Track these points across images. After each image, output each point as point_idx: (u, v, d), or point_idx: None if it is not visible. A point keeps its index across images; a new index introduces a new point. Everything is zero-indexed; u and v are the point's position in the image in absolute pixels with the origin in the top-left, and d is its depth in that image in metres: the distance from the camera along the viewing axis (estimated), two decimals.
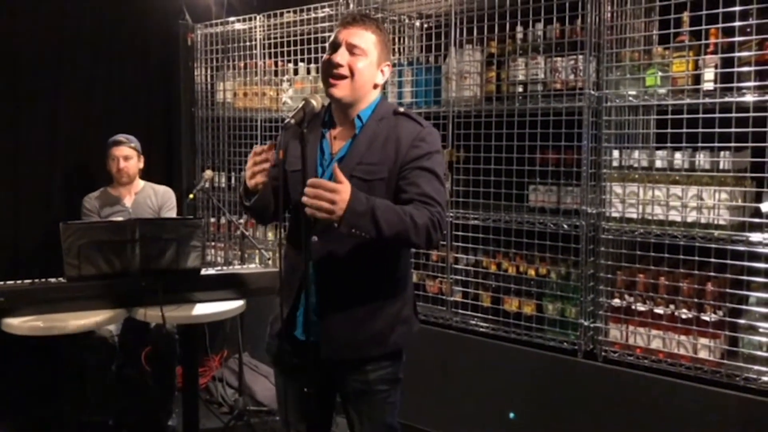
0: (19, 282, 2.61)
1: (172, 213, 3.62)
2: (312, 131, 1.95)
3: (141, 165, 3.57)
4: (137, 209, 3.48)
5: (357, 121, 1.90)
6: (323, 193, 1.61)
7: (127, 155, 3.48)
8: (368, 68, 1.85)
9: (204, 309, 2.69)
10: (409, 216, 1.73)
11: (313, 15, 3.59)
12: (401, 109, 1.95)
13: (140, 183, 3.59)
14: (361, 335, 1.89)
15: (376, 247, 1.80)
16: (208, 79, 4.33)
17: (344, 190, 1.64)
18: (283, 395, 2.03)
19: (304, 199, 1.62)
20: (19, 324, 2.48)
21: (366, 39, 1.85)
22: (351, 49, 1.83)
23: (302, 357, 1.85)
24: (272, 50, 3.89)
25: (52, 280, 2.65)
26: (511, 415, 2.81)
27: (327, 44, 1.91)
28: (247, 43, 4.01)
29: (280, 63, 3.91)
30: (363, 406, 1.96)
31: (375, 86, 1.91)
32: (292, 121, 1.72)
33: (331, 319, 1.88)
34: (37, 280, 2.63)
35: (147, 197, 3.55)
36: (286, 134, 2.00)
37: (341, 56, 1.82)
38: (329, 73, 1.85)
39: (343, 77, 1.83)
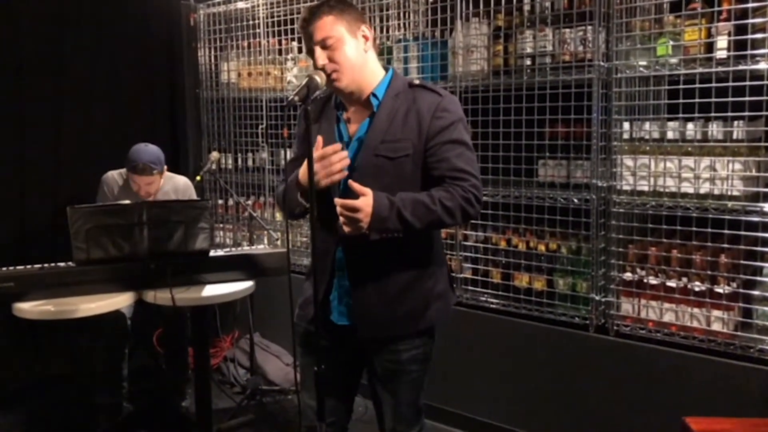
0: (28, 267, 2.61)
1: None
2: (326, 115, 1.94)
3: (164, 174, 3.36)
4: None
5: (373, 99, 1.87)
6: (346, 213, 1.69)
7: (150, 182, 3.23)
8: (348, 48, 1.83)
9: (214, 290, 2.69)
10: (439, 202, 1.75)
11: None
12: (416, 81, 1.92)
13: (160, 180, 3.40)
14: (398, 312, 1.88)
15: None
16: (212, 60, 4.30)
17: (365, 203, 1.69)
18: (305, 377, 2.02)
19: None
20: (29, 308, 2.49)
21: (326, 25, 1.81)
22: (323, 44, 1.82)
23: (336, 340, 1.86)
24: (276, 29, 3.84)
25: (61, 264, 2.66)
26: None
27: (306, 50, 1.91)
28: (251, 22, 3.97)
29: (284, 42, 3.86)
30: (393, 386, 1.95)
31: (366, 52, 1.88)
32: (296, 98, 1.69)
33: (365, 299, 1.87)
34: (46, 265, 2.64)
35: (166, 195, 3.41)
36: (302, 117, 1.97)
37: (320, 57, 1.82)
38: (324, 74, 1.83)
39: (334, 71, 1.82)
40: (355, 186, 1.72)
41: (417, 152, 1.83)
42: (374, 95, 1.87)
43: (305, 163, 1.76)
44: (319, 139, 1.78)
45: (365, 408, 3.02)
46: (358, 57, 1.84)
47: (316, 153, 1.75)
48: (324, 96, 2.00)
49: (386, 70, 1.94)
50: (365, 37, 1.88)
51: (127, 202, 3.06)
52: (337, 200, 1.71)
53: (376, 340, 1.91)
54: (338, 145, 1.75)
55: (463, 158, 1.82)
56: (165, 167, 3.34)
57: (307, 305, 1.98)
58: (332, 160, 1.74)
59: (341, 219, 1.71)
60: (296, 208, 1.89)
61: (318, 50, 1.82)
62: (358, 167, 1.83)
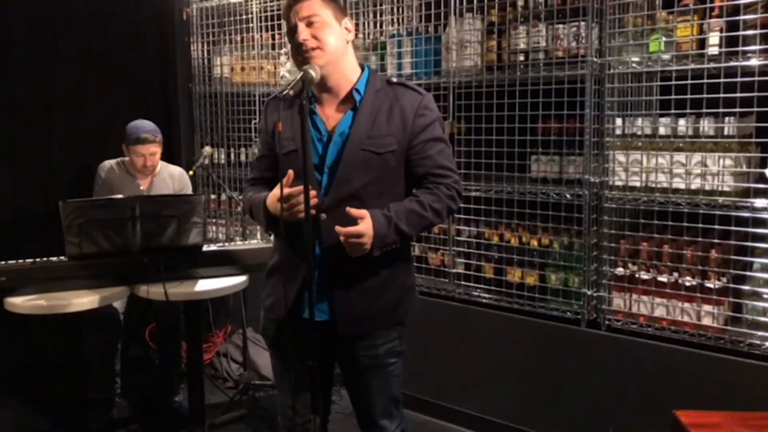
0: (20, 261, 2.61)
1: None
2: (297, 109, 1.86)
3: (159, 160, 3.43)
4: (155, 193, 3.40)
5: (356, 94, 1.87)
6: (352, 241, 1.73)
7: (154, 151, 3.31)
8: (331, 30, 1.83)
9: (207, 285, 2.70)
10: (429, 207, 1.83)
11: None
12: (394, 79, 1.95)
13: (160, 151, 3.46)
14: (375, 308, 1.90)
15: None
16: (205, 54, 4.28)
17: (366, 226, 1.74)
18: (281, 377, 2.02)
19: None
20: (21, 303, 2.49)
21: (315, 6, 1.83)
22: (307, 22, 1.82)
23: (313, 336, 1.83)
24: (269, 23, 3.83)
25: (54, 258, 2.65)
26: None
27: (287, 33, 1.89)
28: (244, 17, 3.96)
29: (277, 36, 3.85)
30: (371, 380, 1.96)
31: (347, 43, 1.89)
32: (291, 92, 1.68)
33: (344, 295, 1.87)
34: (38, 259, 2.63)
35: (163, 181, 3.44)
36: (273, 110, 1.95)
37: (303, 33, 1.81)
38: (301, 53, 1.83)
39: (314, 49, 1.81)
40: (353, 212, 1.75)
41: (401, 148, 1.86)
42: (356, 90, 1.88)
43: (273, 194, 1.80)
44: (290, 172, 1.74)
45: None
46: (339, 43, 1.85)
47: (284, 191, 1.74)
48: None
49: (362, 67, 1.94)
50: (347, 29, 1.89)
51: (120, 196, 3.05)
52: (340, 229, 1.73)
53: (354, 335, 1.92)
54: (290, 173, 1.74)
55: (444, 155, 1.89)
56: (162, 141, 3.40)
57: (276, 306, 1.95)
58: (299, 200, 1.72)
59: (346, 246, 1.74)
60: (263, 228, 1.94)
61: (302, 26, 1.82)
62: (344, 161, 1.84)
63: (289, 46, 3.84)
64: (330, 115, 1.89)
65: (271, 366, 2.13)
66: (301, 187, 1.71)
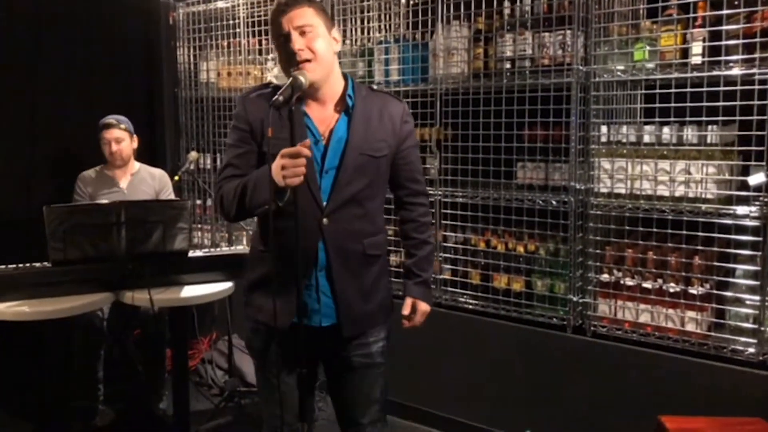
0: (2, 267, 2.57)
1: (171, 197, 3.54)
2: (283, 111, 1.81)
3: (135, 145, 3.46)
4: (133, 191, 3.40)
5: (349, 100, 1.89)
6: (423, 319, 2.07)
7: (119, 137, 3.35)
8: (324, 41, 1.83)
9: (192, 291, 2.68)
10: (430, 237, 2.09)
11: None
12: (374, 87, 2.03)
13: (135, 165, 3.49)
14: (373, 306, 1.94)
15: (375, 219, 1.95)
16: (191, 59, 4.26)
17: (423, 309, 2.06)
18: (271, 388, 1.96)
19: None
20: (4, 309, 2.45)
21: (308, 15, 1.82)
22: (300, 31, 1.80)
23: (310, 343, 1.83)
24: (256, 29, 3.83)
25: (37, 264, 2.62)
26: None
27: (274, 38, 1.86)
28: (231, 22, 3.95)
29: (264, 42, 3.85)
30: (362, 381, 1.97)
31: (334, 54, 1.90)
32: (281, 98, 1.67)
33: (347, 297, 1.89)
34: (21, 265, 2.60)
35: (143, 180, 3.46)
36: (256, 108, 1.88)
37: (297, 42, 1.79)
38: (293, 62, 1.79)
39: (307, 60, 1.80)
40: (407, 315, 2.03)
41: (391, 152, 1.94)
42: (349, 96, 1.90)
43: (278, 159, 1.69)
44: (307, 141, 1.70)
45: None
46: (329, 53, 1.85)
47: (289, 150, 1.67)
48: (267, 92, 1.90)
49: (344, 76, 1.95)
50: (335, 39, 1.90)
51: (105, 201, 3.02)
52: (409, 326, 2.06)
53: (354, 336, 1.94)
54: (307, 141, 1.70)
55: (419, 160, 2.08)
56: (135, 136, 3.47)
57: (277, 315, 1.82)
58: (299, 162, 1.66)
59: (420, 324, 2.07)
60: (262, 206, 1.79)
61: (295, 34, 1.80)
62: (345, 165, 1.85)
63: (274, 51, 3.84)
64: (321, 119, 1.89)
65: (257, 378, 2.10)
66: (305, 142, 1.68)
